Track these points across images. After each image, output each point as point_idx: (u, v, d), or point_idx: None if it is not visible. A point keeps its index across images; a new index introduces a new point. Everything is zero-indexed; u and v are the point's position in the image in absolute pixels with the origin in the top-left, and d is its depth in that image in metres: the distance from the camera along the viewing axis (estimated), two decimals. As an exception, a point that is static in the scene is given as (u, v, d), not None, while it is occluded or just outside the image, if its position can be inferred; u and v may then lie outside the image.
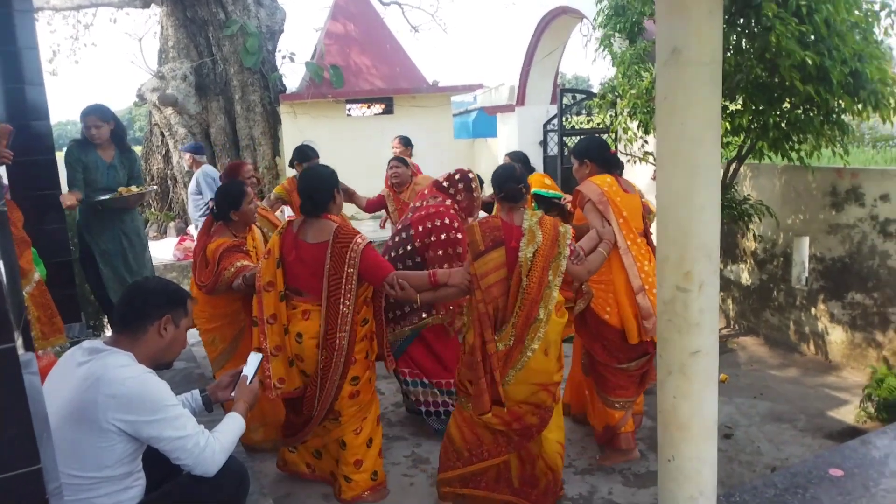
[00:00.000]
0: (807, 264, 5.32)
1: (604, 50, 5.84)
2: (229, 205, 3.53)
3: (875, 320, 4.73)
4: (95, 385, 2.04)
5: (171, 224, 10.38)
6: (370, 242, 2.99)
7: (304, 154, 5.31)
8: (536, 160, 8.97)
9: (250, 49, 9.93)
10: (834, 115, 4.50)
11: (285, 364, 3.02)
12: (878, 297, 4.72)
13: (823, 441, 3.96)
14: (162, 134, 10.58)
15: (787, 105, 4.67)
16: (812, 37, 4.12)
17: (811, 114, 4.51)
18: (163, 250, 8.80)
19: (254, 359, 2.63)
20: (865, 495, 2.56)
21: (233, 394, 2.56)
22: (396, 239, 3.77)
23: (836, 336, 5.03)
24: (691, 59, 1.89)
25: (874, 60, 4.26)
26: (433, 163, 8.63)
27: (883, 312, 4.67)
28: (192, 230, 9.42)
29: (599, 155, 3.57)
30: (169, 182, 10.81)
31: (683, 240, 1.97)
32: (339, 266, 2.90)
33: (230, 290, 3.36)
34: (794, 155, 4.75)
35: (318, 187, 3.07)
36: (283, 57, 10.79)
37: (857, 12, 4.31)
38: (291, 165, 5.20)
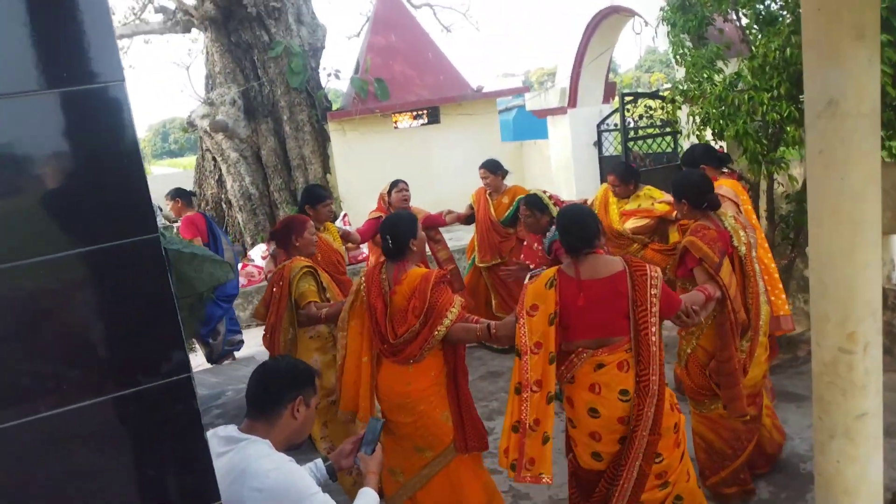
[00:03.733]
0: (898, 264, 5.11)
1: (674, 51, 5.63)
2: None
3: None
4: (240, 479, 2.02)
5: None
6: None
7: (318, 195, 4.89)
8: (591, 161, 8.83)
9: (295, 69, 9.95)
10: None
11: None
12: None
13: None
14: (214, 159, 10.68)
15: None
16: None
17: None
18: (225, 276, 8.88)
19: (373, 425, 2.58)
20: None
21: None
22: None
23: (937, 338, 4.82)
24: (850, 111, 1.78)
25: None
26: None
27: None
28: (253, 254, 9.52)
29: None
30: (224, 206, 10.92)
31: (847, 299, 1.87)
32: (643, 295, 2.56)
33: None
34: (884, 153, 4.53)
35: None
36: (329, 74, 10.80)
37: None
38: (302, 209, 4.70)
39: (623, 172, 5.07)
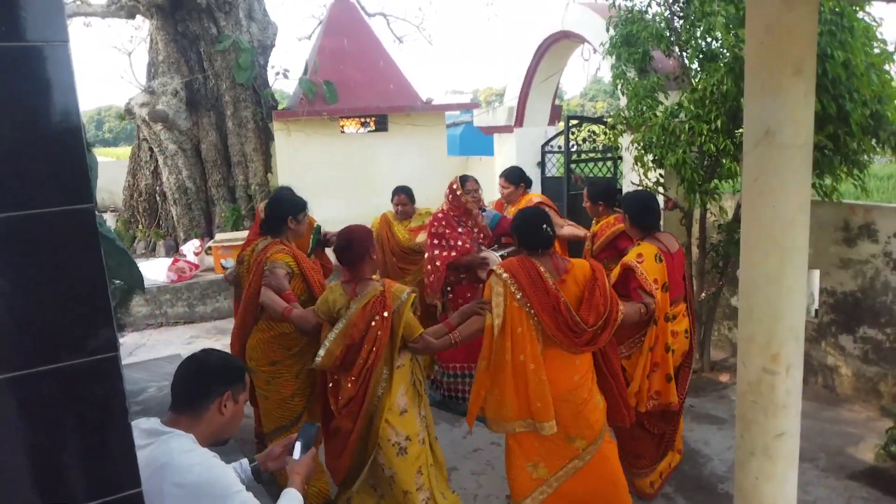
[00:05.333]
0: (817, 297, 5.37)
1: (615, 80, 5.84)
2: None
3: (888, 355, 4.79)
4: (161, 472, 1.94)
5: (161, 242, 10.14)
6: None
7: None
8: (534, 181, 8.96)
9: (243, 65, 9.76)
10: (853, 155, 4.55)
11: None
12: (890, 333, 4.77)
13: (847, 482, 3.98)
14: (151, 150, 10.33)
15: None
16: (829, 81, 4.14)
17: (827, 152, 4.55)
18: (154, 270, 8.57)
19: (307, 429, 2.53)
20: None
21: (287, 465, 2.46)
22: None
23: (847, 370, 5.08)
24: (785, 143, 1.86)
25: (893, 101, 4.31)
26: (428, 181, 8.57)
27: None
28: (185, 250, 9.24)
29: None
30: (158, 199, 10.56)
31: (771, 322, 1.95)
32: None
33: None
34: (812, 192, 4.79)
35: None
36: (277, 73, 10.63)
37: (875, 51, 4.36)
38: (279, 220, 4.63)
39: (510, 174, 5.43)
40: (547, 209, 5.41)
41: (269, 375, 3.68)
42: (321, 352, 3.07)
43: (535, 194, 5.66)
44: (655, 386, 3.64)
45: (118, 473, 1.12)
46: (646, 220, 3.77)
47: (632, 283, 3.53)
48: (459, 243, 4.69)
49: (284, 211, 3.78)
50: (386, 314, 3.06)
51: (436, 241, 4.74)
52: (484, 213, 4.97)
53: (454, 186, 4.85)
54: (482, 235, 4.86)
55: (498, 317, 2.95)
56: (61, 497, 1.11)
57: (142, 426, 2.09)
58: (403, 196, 5.66)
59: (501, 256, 4.55)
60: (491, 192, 9.78)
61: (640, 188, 5.54)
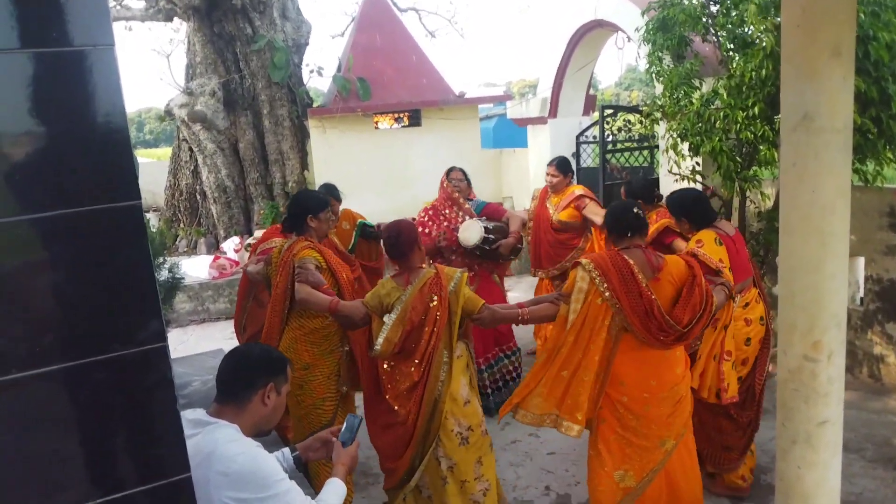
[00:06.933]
0: (862, 284, 5.24)
1: (650, 66, 5.75)
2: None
3: (938, 345, 4.66)
4: (207, 462, 2.00)
5: (202, 240, 10.37)
6: None
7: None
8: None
9: (278, 64, 9.90)
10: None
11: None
12: (940, 321, 4.64)
13: (895, 473, 3.89)
14: (190, 150, 10.57)
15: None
16: (871, 63, 4.03)
17: (871, 137, 4.43)
18: (195, 268, 8.78)
19: (350, 421, 2.57)
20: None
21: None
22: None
23: (894, 359, 4.95)
24: (824, 127, 1.83)
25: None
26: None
27: (949, 339, 4.59)
28: (225, 247, 9.43)
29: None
30: (198, 197, 10.81)
31: (813, 308, 1.92)
32: None
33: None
34: (854, 177, 4.66)
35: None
36: (311, 71, 10.76)
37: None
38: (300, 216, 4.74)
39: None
40: (589, 200, 5.41)
41: (302, 380, 3.62)
42: (379, 340, 3.05)
43: (578, 186, 5.64)
44: (726, 377, 3.37)
45: (168, 459, 1.17)
46: (702, 216, 3.68)
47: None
48: (427, 231, 4.89)
49: (304, 209, 3.77)
50: (443, 293, 3.06)
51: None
52: (470, 202, 5.10)
53: (442, 177, 5.13)
54: (467, 218, 4.94)
55: (574, 312, 2.87)
56: (114, 482, 1.16)
57: (188, 417, 2.15)
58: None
59: (485, 228, 4.66)
60: (528, 184, 9.77)
61: (679, 183, 5.48)
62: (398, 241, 3.20)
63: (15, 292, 1.06)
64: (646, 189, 4.68)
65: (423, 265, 3.28)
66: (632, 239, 2.98)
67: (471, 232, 4.64)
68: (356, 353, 3.68)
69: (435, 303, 3.05)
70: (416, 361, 3.05)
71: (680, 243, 4.47)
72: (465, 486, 3.12)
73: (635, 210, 3.03)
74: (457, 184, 5.04)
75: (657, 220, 4.40)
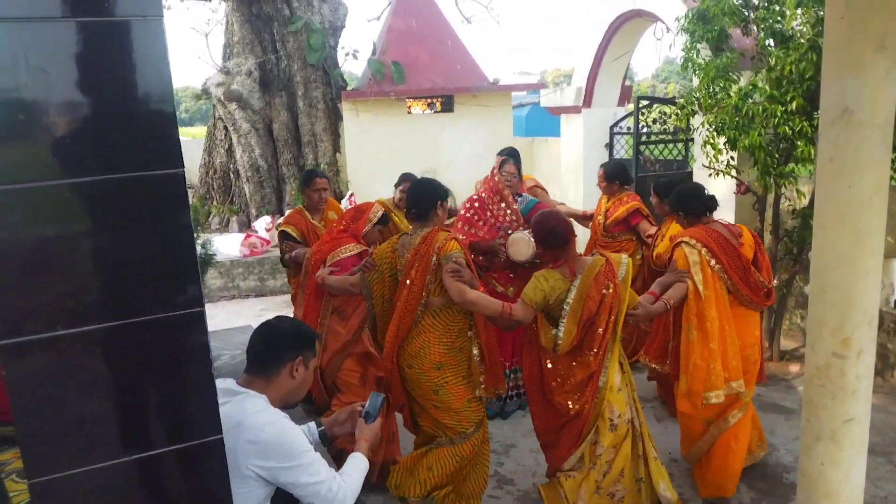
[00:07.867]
0: (897, 287, 5.14)
1: (686, 59, 5.66)
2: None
3: (975, 351, 4.55)
4: (235, 430, 2.05)
5: (234, 218, 10.52)
6: None
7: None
8: (601, 163, 8.82)
9: (314, 46, 9.95)
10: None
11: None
12: (978, 327, 4.53)
13: (923, 479, 3.84)
14: (225, 129, 10.70)
15: None
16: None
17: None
18: (227, 245, 8.92)
19: (374, 399, 2.60)
20: None
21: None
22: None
23: (928, 364, 4.86)
24: (864, 122, 1.80)
25: None
26: (492, 161, 8.50)
27: None
28: (257, 226, 9.56)
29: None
30: (231, 176, 10.95)
31: (844, 305, 1.90)
32: None
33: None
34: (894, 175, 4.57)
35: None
36: (346, 54, 10.82)
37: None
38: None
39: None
40: (642, 218, 5.26)
41: (436, 385, 3.25)
42: (559, 334, 2.98)
43: (634, 199, 5.37)
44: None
45: (202, 420, 1.22)
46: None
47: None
48: (481, 234, 4.58)
49: (434, 196, 3.45)
50: (616, 281, 3.04)
51: (466, 227, 4.64)
52: (519, 199, 4.79)
53: (494, 167, 4.87)
54: (513, 219, 4.65)
55: (700, 283, 3.23)
56: (149, 440, 1.20)
57: (219, 386, 2.21)
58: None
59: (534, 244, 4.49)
60: (559, 173, 9.72)
61: (713, 178, 5.42)
62: (554, 235, 3.12)
63: (61, 253, 1.10)
64: (620, 171, 5.48)
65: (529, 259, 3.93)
66: (710, 216, 3.51)
67: (519, 247, 4.27)
68: (485, 351, 3.38)
69: (610, 290, 3.02)
70: (595, 351, 3.02)
71: (645, 225, 5.18)
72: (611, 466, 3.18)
73: (706, 191, 3.55)
74: (509, 178, 4.72)
75: (628, 202, 5.15)
